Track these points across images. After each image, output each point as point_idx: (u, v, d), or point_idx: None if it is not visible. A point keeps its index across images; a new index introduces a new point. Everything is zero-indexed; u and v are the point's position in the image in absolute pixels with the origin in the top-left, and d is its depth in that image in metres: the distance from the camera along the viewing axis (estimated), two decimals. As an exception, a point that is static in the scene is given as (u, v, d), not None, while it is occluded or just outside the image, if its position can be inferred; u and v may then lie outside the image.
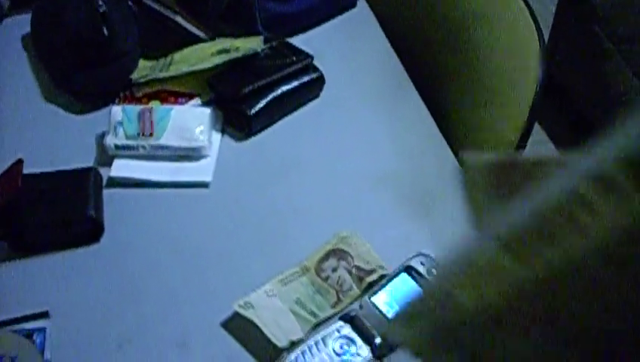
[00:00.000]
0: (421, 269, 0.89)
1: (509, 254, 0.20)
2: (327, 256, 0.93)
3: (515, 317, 0.21)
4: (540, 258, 0.19)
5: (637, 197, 0.18)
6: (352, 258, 0.93)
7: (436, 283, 0.26)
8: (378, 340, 0.82)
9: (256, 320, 0.84)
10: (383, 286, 0.88)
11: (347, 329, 0.85)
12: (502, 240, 0.21)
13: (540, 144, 1.99)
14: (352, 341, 0.84)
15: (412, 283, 0.88)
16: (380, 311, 0.86)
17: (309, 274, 0.91)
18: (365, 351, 0.83)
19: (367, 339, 0.83)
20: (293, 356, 0.82)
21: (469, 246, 0.23)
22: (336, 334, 0.84)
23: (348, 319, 0.85)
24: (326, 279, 0.91)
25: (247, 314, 0.84)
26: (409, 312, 0.26)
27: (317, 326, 0.87)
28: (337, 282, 0.90)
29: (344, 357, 0.82)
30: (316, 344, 0.83)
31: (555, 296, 0.20)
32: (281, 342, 0.83)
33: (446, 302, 0.23)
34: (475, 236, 0.23)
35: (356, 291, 0.90)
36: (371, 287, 0.89)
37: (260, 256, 0.94)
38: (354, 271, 0.91)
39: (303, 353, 0.82)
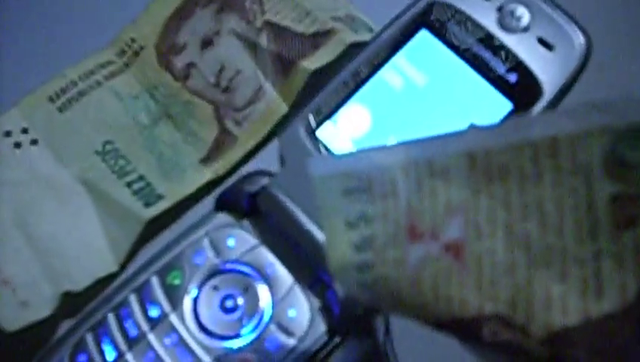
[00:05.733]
0: (472, 10, 0.27)
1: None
2: (188, 6, 0.32)
3: None
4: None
5: None
6: (260, 0, 0.31)
7: None
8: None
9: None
10: (357, 83, 0.27)
11: (238, 239, 0.27)
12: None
13: None
14: (249, 272, 0.27)
15: (443, 61, 0.27)
16: (332, 160, 0.26)
17: (137, 66, 0.32)
18: (267, 293, 0.27)
19: (290, 255, 0.27)
20: (63, 355, 0.26)
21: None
22: (210, 259, 0.27)
23: (239, 201, 0.28)
24: (185, 75, 0.31)
25: None
26: None
27: (154, 233, 0.29)
28: (218, 81, 0.31)
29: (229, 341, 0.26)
30: (144, 297, 0.26)
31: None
32: (25, 312, 0.26)
33: None
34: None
35: (276, 102, 0.30)
36: (317, 92, 0.28)
37: (4, 27, 0.34)
38: (264, 40, 0.30)
39: (100, 335, 0.26)
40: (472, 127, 0.18)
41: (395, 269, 0.18)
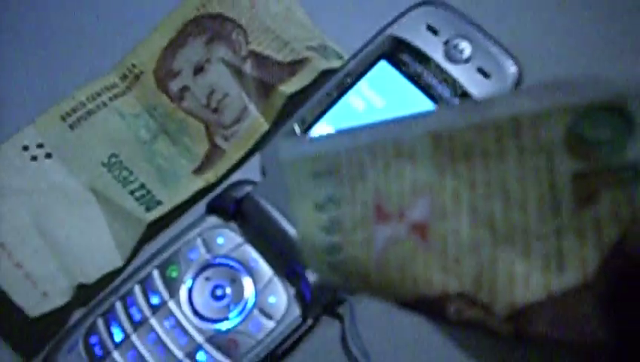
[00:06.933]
0: (423, 44, 0.32)
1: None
2: (182, 37, 0.36)
3: None
4: None
5: None
6: (244, 33, 0.35)
7: None
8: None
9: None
10: (328, 104, 0.32)
11: (226, 238, 0.31)
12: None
13: None
14: (236, 266, 0.31)
15: (399, 88, 0.31)
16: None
17: (138, 89, 0.35)
18: (250, 283, 0.31)
19: (270, 251, 0.31)
20: (78, 337, 0.30)
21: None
22: (203, 255, 0.31)
23: (227, 206, 0.31)
24: (181, 97, 0.35)
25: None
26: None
27: (154, 234, 0.33)
28: (209, 102, 0.35)
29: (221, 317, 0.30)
30: (146, 287, 0.31)
31: None
32: (44, 301, 0.30)
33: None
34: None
35: (258, 121, 0.34)
36: (294, 112, 0.33)
37: (21, 52, 0.37)
38: (249, 68, 0.35)
39: (109, 319, 0.30)
40: (437, 108, 0.18)
41: (363, 250, 0.18)
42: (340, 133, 0.18)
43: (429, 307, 0.17)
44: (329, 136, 0.18)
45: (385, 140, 0.17)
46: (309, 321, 0.30)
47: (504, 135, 0.16)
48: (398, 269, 0.17)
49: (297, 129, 0.32)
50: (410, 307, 0.18)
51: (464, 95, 0.31)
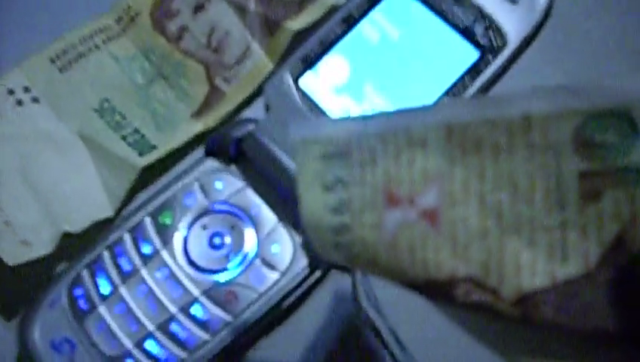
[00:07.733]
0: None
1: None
2: (181, -27, 0.34)
3: None
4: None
5: None
6: (248, -32, 0.33)
7: None
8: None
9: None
10: (335, 38, 0.29)
11: (226, 182, 0.28)
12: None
13: None
14: (236, 212, 0.28)
15: (417, 17, 0.29)
16: (321, 111, 0.28)
17: (133, 31, 0.33)
18: (252, 231, 0.28)
19: (274, 196, 0.28)
20: (61, 290, 0.27)
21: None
22: (200, 201, 0.28)
23: (227, 147, 0.28)
24: (179, 37, 0.32)
25: None
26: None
27: (148, 181, 0.30)
28: (209, 42, 0.32)
29: (220, 267, 0.27)
30: (137, 236, 0.28)
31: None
32: (24, 250, 0.27)
33: None
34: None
35: (262, 61, 0.31)
36: (299, 46, 0.30)
37: None
38: (252, 3, 0.32)
39: (95, 270, 0.27)
40: (450, 100, 0.19)
41: (372, 232, 0.18)
42: (351, 119, 0.18)
43: (438, 289, 0.18)
44: (340, 120, 0.19)
45: (398, 128, 0.18)
46: (317, 273, 0.27)
47: (515, 131, 0.17)
48: (408, 252, 0.18)
49: (300, 65, 0.29)
50: (418, 289, 0.18)
51: (488, 21, 0.28)
